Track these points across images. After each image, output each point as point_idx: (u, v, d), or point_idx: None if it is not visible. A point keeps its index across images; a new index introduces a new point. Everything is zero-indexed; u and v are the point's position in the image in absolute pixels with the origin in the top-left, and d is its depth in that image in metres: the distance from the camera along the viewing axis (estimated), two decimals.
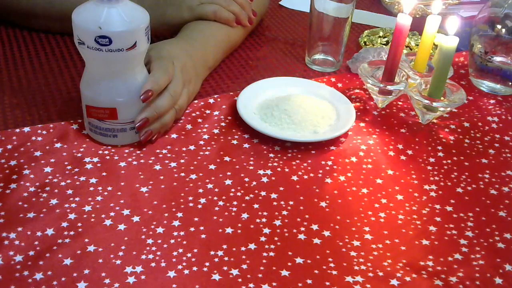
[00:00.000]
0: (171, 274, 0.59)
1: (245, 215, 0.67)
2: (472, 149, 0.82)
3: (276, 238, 0.64)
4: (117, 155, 0.73)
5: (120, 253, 0.61)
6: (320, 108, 0.83)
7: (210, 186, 0.70)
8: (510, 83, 0.94)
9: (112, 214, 0.65)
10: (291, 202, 0.69)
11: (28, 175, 0.69)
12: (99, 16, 0.66)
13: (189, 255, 0.61)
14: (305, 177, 0.73)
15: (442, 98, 0.83)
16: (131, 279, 0.58)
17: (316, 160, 0.76)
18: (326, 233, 0.66)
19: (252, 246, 0.63)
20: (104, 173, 0.70)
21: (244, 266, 0.60)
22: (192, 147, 0.76)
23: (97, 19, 0.66)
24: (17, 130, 0.75)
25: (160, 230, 0.64)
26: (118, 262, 0.60)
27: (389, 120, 0.86)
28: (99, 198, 0.67)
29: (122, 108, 0.72)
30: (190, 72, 0.80)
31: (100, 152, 0.73)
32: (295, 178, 0.73)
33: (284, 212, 0.68)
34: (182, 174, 0.72)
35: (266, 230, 0.65)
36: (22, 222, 0.63)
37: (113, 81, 0.71)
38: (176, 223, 0.65)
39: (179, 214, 0.66)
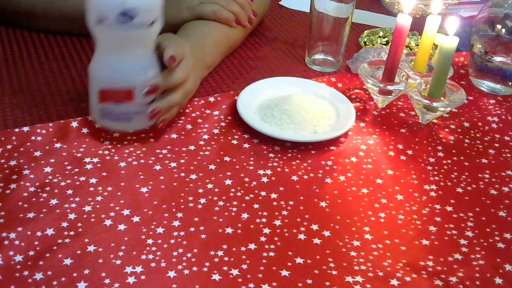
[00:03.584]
0: (171, 274, 0.59)
1: (245, 215, 0.67)
2: (472, 149, 0.82)
3: (276, 238, 0.64)
4: (117, 155, 0.73)
5: (120, 253, 0.61)
6: (320, 108, 0.83)
7: (210, 186, 0.70)
8: (510, 83, 0.94)
9: (112, 214, 0.65)
10: (291, 202, 0.69)
11: (28, 175, 0.69)
12: None
13: (189, 255, 0.61)
14: (305, 177, 0.73)
15: (442, 98, 0.83)
16: (131, 279, 0.58)
17: (316, 160, 0.76)
18: (326, 233, 0.66)
19: (252, 246, 0.63)
20: (104, 173, 0.70)
21: (244, 266, 0.60)
22: (192, 147, 0.76)
23: None
24: (17, 130, 0.75)
25: (160, 230, 0.64)
26: (118, 262, 0.60)
27: (389, 120, 0.86)
28: (99, 198, 0.67)
29: (139, 89, 0.71)
30: (193, 62, 0.80)
31: (100, 152, 0.73)
32: (295, 178, 0.73)
33: (284, 212, 0.68)
34: (182, 174, 0.72)
35: (266, 230, 0.65)
36: (22, 222, 0.63)
37: (130, 61, 0.71)
38: (176, 223, 0.65)
39: (179, 214, 0.66)
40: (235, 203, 0.68)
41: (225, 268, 0.60)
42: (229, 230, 0.65)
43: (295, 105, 0.81)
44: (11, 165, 0.70)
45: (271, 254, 0.62)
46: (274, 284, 0.59)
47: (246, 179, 0.72)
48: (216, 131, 0.80)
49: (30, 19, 0.96)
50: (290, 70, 0.96)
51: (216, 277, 0.59)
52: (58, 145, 0.74)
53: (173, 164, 0.73)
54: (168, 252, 0.61)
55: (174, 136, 0.78)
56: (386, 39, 1.04)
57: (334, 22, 0.92)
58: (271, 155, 0.76)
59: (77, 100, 0.83)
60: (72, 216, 0.64)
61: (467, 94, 0.85)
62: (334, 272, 0.61)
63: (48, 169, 0.70)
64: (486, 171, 0.78)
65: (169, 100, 0.74)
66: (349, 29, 0.94)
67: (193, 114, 0.82)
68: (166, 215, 0.66)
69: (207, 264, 0.60)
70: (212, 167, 0.73)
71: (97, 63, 0.72)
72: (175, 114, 0.78)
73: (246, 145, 0.78)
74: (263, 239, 0.64)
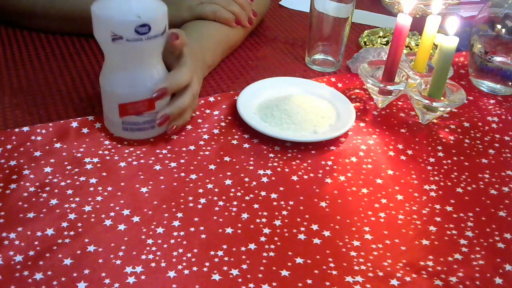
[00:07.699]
0: (171, 274, 0.59)
1: (245, 215, 0.67)
2: (472, 149, 0.82)
3: (276, 238, 0.64)
4: (117, 155, 0.73)
5: (120, 253, 0.61)
6: (320, 108, 0.83)
7: (210, 186, 0.70)
8: (510, 83, 0.94)
9: (112, 214, 0.65)
10: (291, 202, 0.69)
11: (28, 175, 0.69)
12: (131, 6, 0.66)
13: (189, 255, 0.61)
14: (305, 177, 0.73)
15: (442, 98, 0.83)
16: (131, 279, 0.58)
17: (316, 160, 0.76)
18: (326, 233, 0.66)
19: (252, 246, 0.63)
20: (104, 173, 0.70)
21: (244, 266, 0.60)
22: (192, 147, 0.76)
23: (131, 9, 0.66)
24: (17, 130, 0.75)
25: (160, 230, 0.64)
26: (118, 262, 0.60)
27: (389, 120, 0.86)
28: (99, 198, 0.67)
29: None
30: (194, 62, 0.80)
31: (100, 152, 0.73)
32: (295, 178, 0.73)
33: (284, 212, 0.68)
34: (182, 174, 0.72)
35: (266, 230, 0.65)
36: (22, 222, 0.63)
37: (146, 70, 0.71)
38: (176, 223, 0.65)
39: (179, 214, 0.66)
40: (235, 203, 0.68)
41: (225, 268, 0.60)
42: (229, 230, 0.65)
43: (295, 105, 0.81)
44: (11, 165, 0.70)
45: (271, 254, 0.62)
46: (274, 284, 0.59)
47: (246, 179, 0.72)
48: (216, 131, 0.80)
49: (30, 19, 0.97)
50: (290, 70, 0.96)
51: (216, 277, 0.59)
52: (58, 145, 0.74)
53: (173, 164, 0.73)
54: (168, 252, 0.61)
55: (174, 136, 0.78)
56: (386, 39, 1.04)
57: (334, 22, 0.92)
58: (271, 155, 0.76)
59: (77, 100, 0.83)
60: (72, 216, 0.64)
61: (467, 94, 0.85)
62: (334, 272, 0.61)
63: (48, 169, 0.70)
64: (486, 171, 0.78)
65: (179, 104, 0.74)
66: (349, 29, 0.94)
67: (193, 114, 0.82)
68: (166, 215, 0.66)
69: (207, 264, 0.60)
70: (212, 167, 0.73)
71: (112, 78, 0.71)
72: (188, 119, 0.78)
73: (246, 145, 0.78)
74: (263, 239, 0.64)
